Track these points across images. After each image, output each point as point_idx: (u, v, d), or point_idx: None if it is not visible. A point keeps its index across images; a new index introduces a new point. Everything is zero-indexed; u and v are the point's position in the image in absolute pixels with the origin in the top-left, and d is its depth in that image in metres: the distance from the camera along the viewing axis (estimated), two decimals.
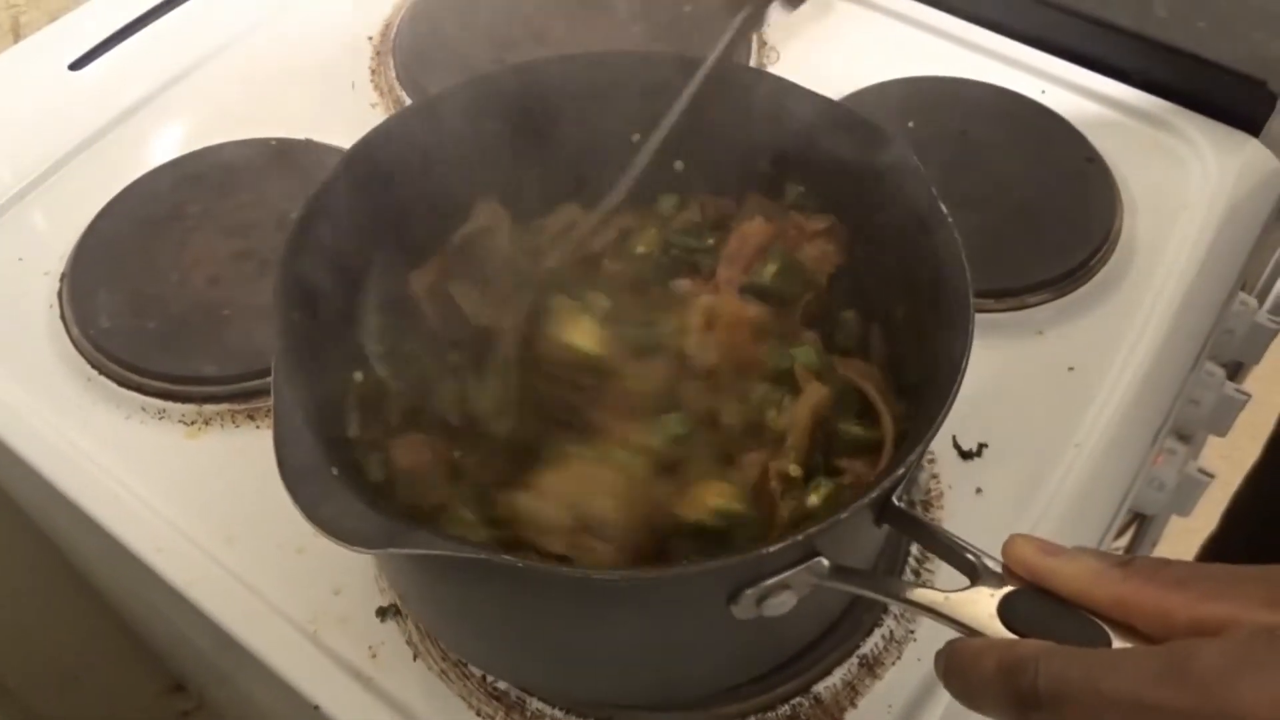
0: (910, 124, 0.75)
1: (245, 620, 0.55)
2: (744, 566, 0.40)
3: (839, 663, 0.53)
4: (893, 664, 0.54)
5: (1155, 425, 0.64)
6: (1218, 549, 1.08)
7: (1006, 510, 0.59)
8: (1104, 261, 0.69)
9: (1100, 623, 0.34)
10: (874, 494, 0.40)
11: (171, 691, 1.17)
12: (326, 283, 0.50)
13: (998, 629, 0.36)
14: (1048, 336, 0.66)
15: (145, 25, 0.84)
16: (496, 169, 0.57)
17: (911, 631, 0.55)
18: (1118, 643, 0.34)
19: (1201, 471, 0.69)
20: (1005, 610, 0.36)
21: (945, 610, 0.37)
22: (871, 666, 0.54)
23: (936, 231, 0.49)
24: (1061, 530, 0.58)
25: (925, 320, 0.49)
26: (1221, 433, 0.75)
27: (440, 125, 0.55)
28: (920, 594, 0.39)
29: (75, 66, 0.81)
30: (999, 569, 0.37)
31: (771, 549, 0.39)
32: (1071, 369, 0.64)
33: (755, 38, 0.83)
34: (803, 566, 0.40)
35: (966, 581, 0.38)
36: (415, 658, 0.54)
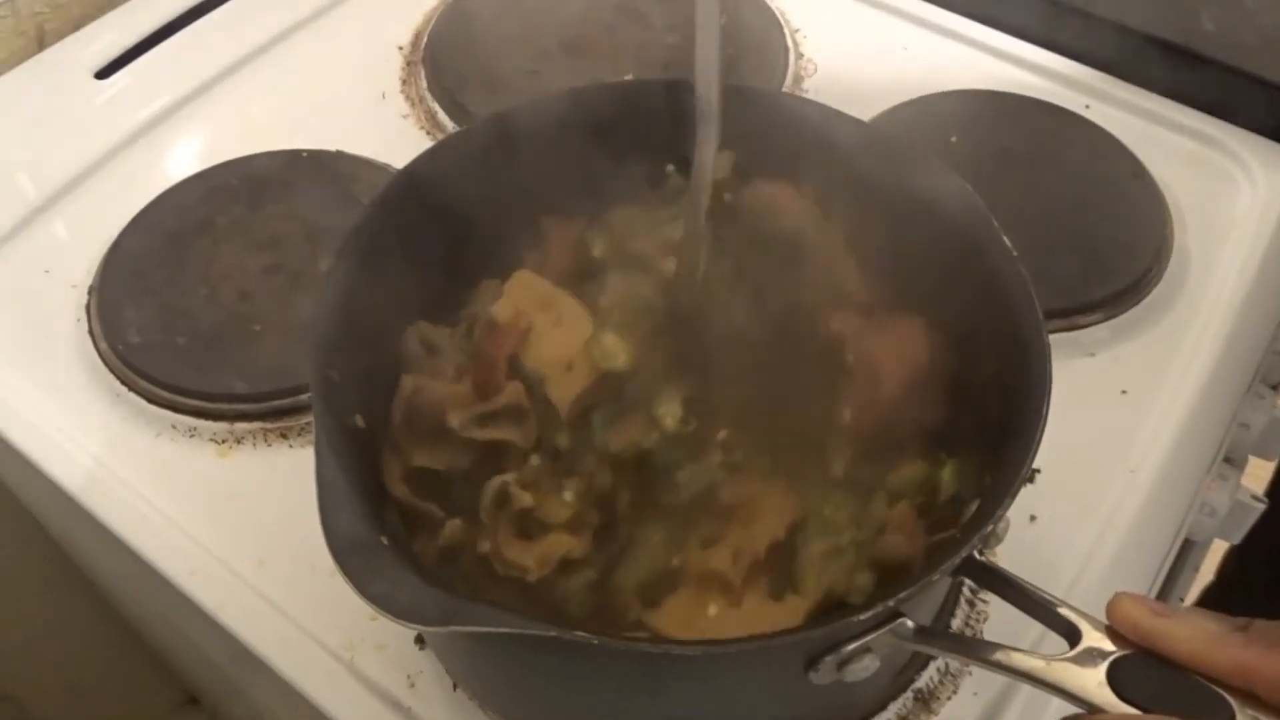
0: (953, 139, 0.73)
1: (278, 645, 0.54)
2: (826, 635, 0.38)
3: (894, 697, 0.52)
4: (948, 698, 0.52)
5: (1211, 449, 0.63)
6: (1238, 564, 1.07)
7: (1062, 538, 0.57)
8: (1155, 281, 0.67)
9: (1220, 690, 0.32)
10: (963, 552, 0.38)
11: (184, 705, 1.16)
12: (363, 334, 0.48)
13: (1109, 698, 0.34)
14: (1100, 359, 0.64)
15: (172, 33, 0.82)
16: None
17: (967, 666, 0.53)
18: (1240, 714, 0.32)
19: (1255, 498, 0.67)
20: (1114, 677, 0.34)
21: (1048, 678, 0.35)
22: (926, 701, 0.52)
23: (1001, 268, 0.47)
24: (1119, 558, 0.56)
25: (983, 363, 0.48)
26: (1271, 457, 0.73)
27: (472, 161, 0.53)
28: (1019, 660, 0.36)
29: (101, 75, 0.79)
30: (1101, 630, 0.35)
31: (859, 616, 0.37)
32: (1124, 391, 0.63)
33: (793, 49, 0.81)
34: (886, 629, 0.38)
35: (1058, 639, 0.36)
36: (455, 688, 0.52)
